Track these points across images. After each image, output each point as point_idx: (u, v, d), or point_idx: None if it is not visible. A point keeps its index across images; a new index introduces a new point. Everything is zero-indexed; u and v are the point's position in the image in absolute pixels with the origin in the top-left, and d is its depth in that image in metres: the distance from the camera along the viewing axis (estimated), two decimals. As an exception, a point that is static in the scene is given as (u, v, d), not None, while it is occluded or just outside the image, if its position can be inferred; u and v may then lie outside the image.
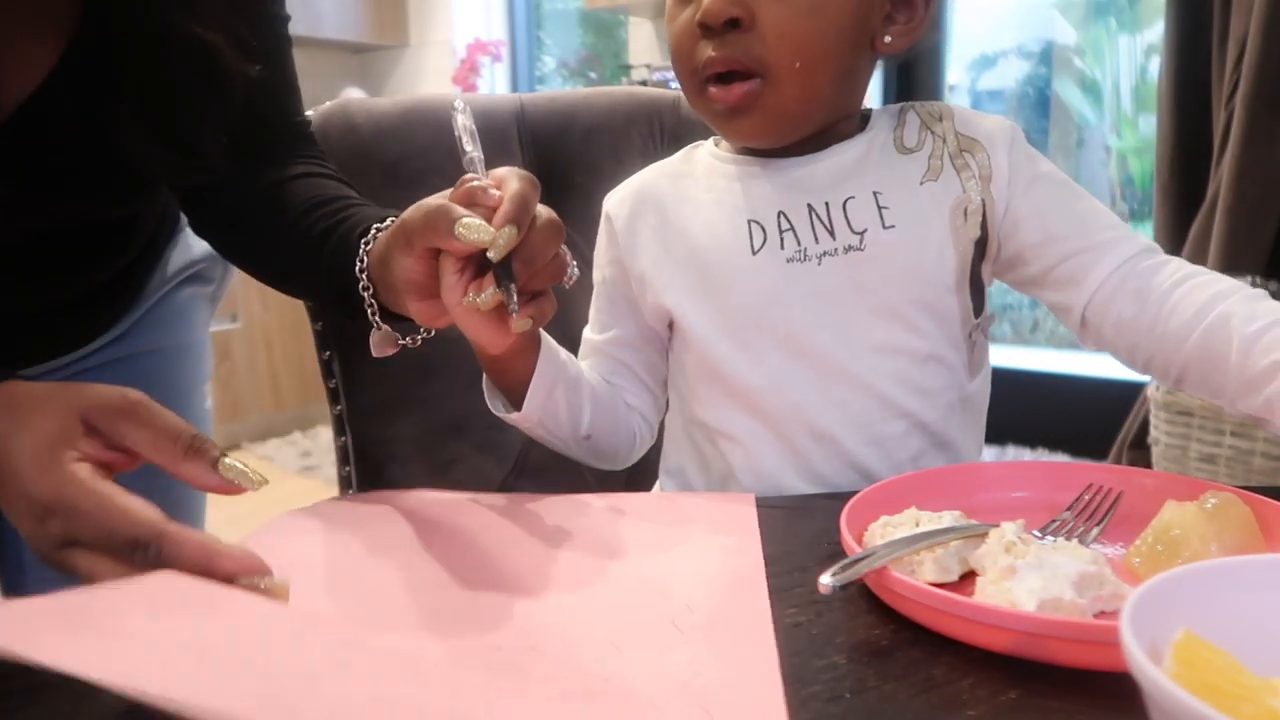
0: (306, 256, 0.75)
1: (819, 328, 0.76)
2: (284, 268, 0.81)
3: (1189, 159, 2.17)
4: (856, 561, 0.50)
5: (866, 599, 0.52)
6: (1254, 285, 1.91)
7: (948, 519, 0.56)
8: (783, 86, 0.73)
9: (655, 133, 1.08)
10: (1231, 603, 0.37)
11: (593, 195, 1.06)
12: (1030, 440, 2.71)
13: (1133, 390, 2.25)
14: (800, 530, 0.64)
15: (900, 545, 0.52)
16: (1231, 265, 2.00)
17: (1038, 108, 3.35)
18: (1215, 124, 2.10)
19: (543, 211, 0.63)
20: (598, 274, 0.87)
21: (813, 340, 0.76)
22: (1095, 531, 0.60)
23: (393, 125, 1.01)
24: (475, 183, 0.62)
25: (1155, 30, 2.83)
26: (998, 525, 0.54)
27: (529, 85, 4.26)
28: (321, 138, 0.98)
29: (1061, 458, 2.58)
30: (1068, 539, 0.57)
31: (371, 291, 0.70)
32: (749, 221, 0.78)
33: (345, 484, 1.07)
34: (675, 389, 0.85)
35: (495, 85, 4.15)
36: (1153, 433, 2.00)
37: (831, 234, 0.76)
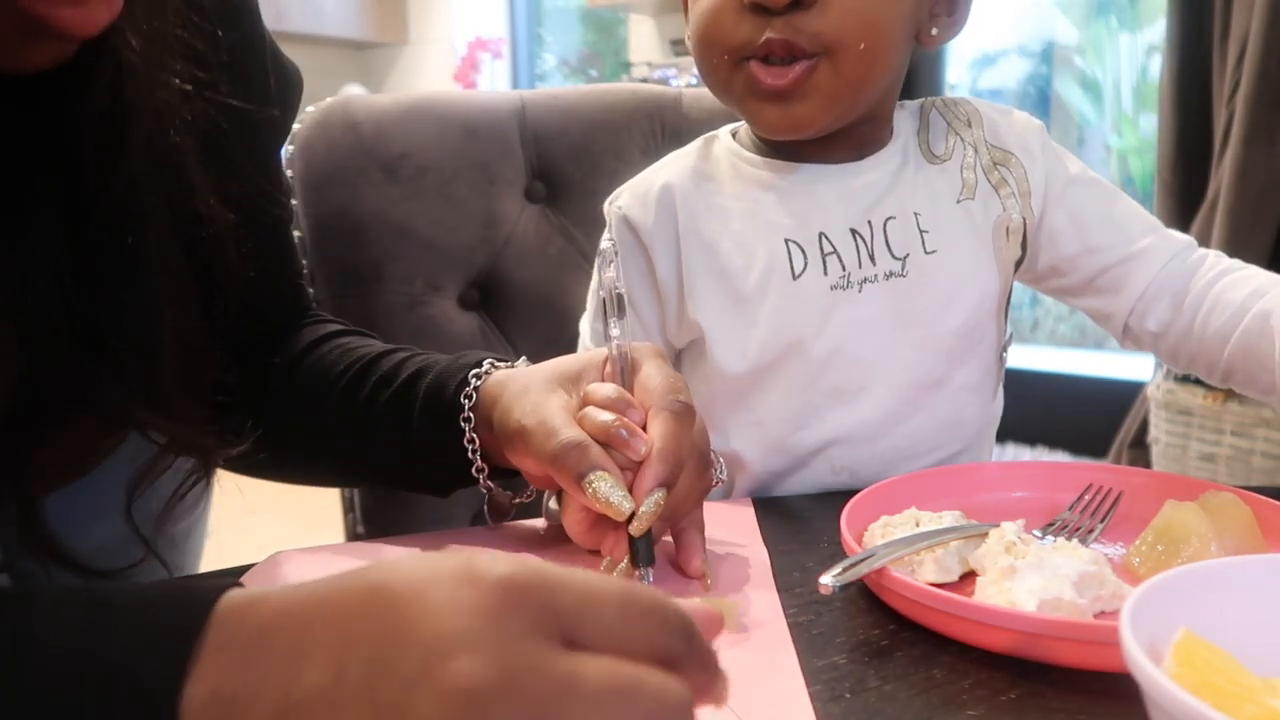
0: (376, 436, 0.63)
1: (859, 361, 0.72)
2: (343, 458, 0.68)
3: (1190, 158, 2.16)
4: (857, 562, 0.50)
5: (866, 599, 0.52)
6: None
7: (948, 519, 0.56)
8: (843, 69, 0.67)
9: (656, 130, 1.08)
10: (1231, 603, 0.37)
11: (593, 193, 1.06)
12: (1030, 440, 2.71)
13: (1132, 390, 2.25)
14: (800, 530, 0.64)
15: (900, 545, 0.52)
16: (1232, 265, 1.99)
17: (1038, 107, 3.34)
18: (1216, 123, 2.10)
19: (693, 448, 0.53)
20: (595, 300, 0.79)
21: (851, 374, 0.72)
22: (1095, 532, 0.60)
23: (393, 122, 1.01)
24: (617, 423, 0.52)
25: (1156, 29, 2.83)
26: (998, 525, 0.54)
27: (529, 83, 4.26)
28: (322, 134, 0.99)
29: (1061, 457, 2.58)
30: (1068, 539, 0.57)
31: (480, 452, 0.59)
32: (787, 241, 0.72)
33: (345, 481, 1.06)
34: None
35: (495, 83, 4.15)
36: (1153, 432, 2.00)
37: (873, 259, 0.72)
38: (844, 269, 0.72)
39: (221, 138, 0.57)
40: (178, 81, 0.53)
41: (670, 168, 0.78)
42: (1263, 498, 0.57)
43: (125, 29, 0.48)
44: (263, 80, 0.65)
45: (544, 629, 0.30)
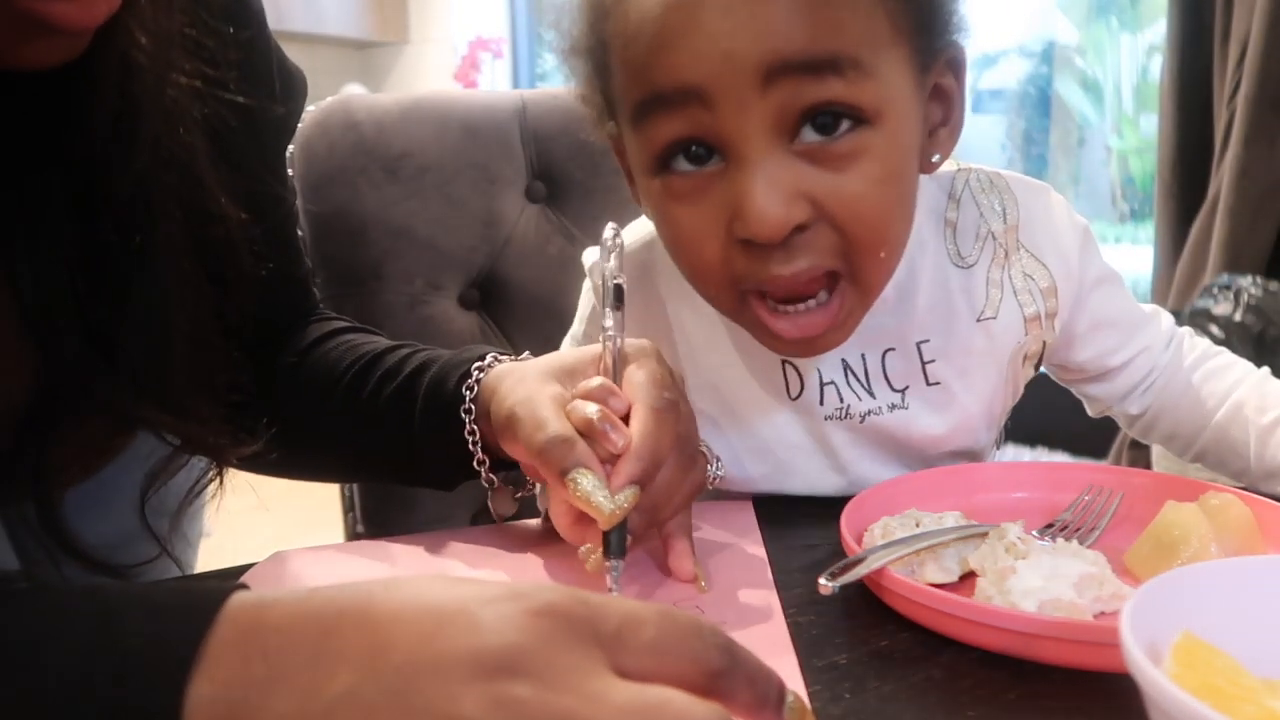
0: (380, 430, 0.63)
1: (859, 478, 0.68)
2: (348, 453, 0.68)
3: (1190, 158, 2.16)
4: (856, 562, 0.50)
5: (866, 599, 0.52)
6: (1254, 285, 1.90)
7: (948, 519, 0.56)
8: (866, 279, 0.57)
9: (656, 131, 1.08)
10: (1231, 603, 0.37)
11: (594, 192, 1.06)
12: (1030, 440, 2.71)
13: (1133, 390, 2.24)
14: (800, 531, 0.64)
15: (900, 545, 0.52)
16: (1232, 265, 1.99)
17: (1039, 107, 3.34)
18: (1217, 123, 2.10)
19: (675, 442, 0.52)
20: (581, 326, 0.74)
21: (849, 483, 0.69)
22: (1095, 532, 0.60)
23: (394, 122, 1.01)
24: (599, 415, 0.51)
25: (1157, 29, 2.83)
26: (998, 525, 0.54)
27: (530, 82, 4.26)
28: (322, 134, 0.99)
29: (1061, 458, 2.58)
30: (1068, 539, 0.57)
31: (480, 444, 0.59)
32: (784, 363, 0.66)
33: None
34: None
35: (496, 82, 4.14)
36: (1153, 432, 1.99)
37: (871, 393, 0.66)
38: (841, 401, 0.66)
39: (230, 136, 0.57)
40: (186, 80, 0.53)
41: (649, 259, 0.69)
42: (1262, 498, 0.57)
43: (133, 27, 0.48)
44: (269, 80, 0.65)
45: (588, 651, 0.31)
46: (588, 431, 0.51)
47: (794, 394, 0.67)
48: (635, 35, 0.54)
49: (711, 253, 0.56)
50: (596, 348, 0.57)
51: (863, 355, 0.66)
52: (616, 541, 0.51)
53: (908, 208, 0.59)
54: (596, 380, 0.54)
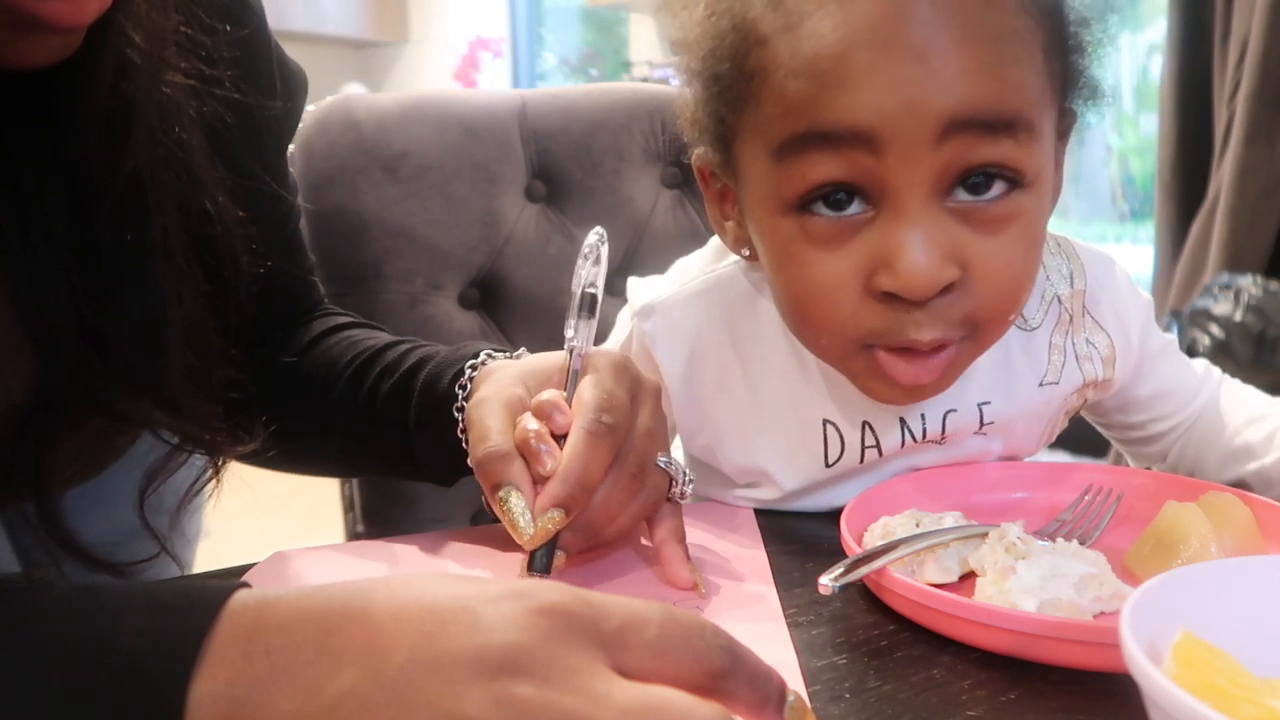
0: (379, 426, 0.63)
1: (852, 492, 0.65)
2: (348, 449, 0.68)
3: (1190, 158, 2.17)
4: (857, 562, 0.50)
5: (866, 599, 0.52)
6: (1254, 284, 1.90)
7: (948, 519, 0.56)
8: (986, 339, 0.57)
9: (657, 129, 1.08)
10: (1231, 603, 0.37)
11: (594, 192, 1.06)
12: (1030, 439, 2.71)
13: (1133, 389, 2.24)
14: (800, 530, 0.64)
15: (900, 545, 0.52)
16: (1232, 265, 2.00)
17: (1039, 106, 3.34)
18: (1217, 123, 2.10)
19: (612, 467, 0.52)
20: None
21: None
22: (1095, 532, 0.60)
23: (394, 121, 1.01)
24: (535, 434, 0.50)
25: (1157, 29, 2.83)
26: (998, 525, 0.54)
27: (530, 82, 4.27)
28: (322, 133, 0.99)
29: (1062, 458, 2.57)
30: (1068, 539, 0.57)
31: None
32: (825, 422, 0.64)
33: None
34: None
35: (496, 82, 4.15)
36: (1152, 432, 1.99)
37: (915, 440, 0.65)
38: (881, 455, 0.65)
39: (228, 134, 0.57)
40: (182, 78, 0.53)
41: (713, 307, 0.66)
42: (1262, 498, 0.57)
43: (127, 25, 0.48)
44: (268, 78, 0.65)
45: (591, 650, 0.31)
46: (523, 449, 0.51)
47: (831, 460, 0.65)
48: (806, 67, 0.51)
49: (843, 304, 0.54)
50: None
51: (923, 415, 0.64)
52: (540, 560, 0.50)
53: (1038, 264, 0.58)
54: (548, 393, 0.53)
